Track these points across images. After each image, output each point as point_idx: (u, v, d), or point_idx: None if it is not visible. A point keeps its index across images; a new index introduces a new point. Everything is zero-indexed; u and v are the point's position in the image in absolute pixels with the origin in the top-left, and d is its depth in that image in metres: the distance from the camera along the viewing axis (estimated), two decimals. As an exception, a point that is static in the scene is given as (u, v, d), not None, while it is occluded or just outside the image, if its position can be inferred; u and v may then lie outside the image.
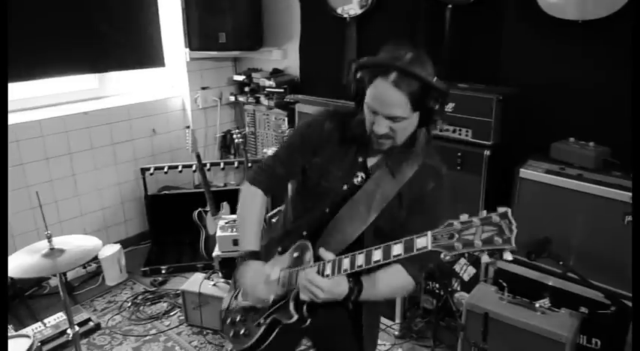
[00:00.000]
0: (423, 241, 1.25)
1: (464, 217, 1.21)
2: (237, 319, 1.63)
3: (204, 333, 3.15)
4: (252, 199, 1.70)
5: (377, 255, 1.34)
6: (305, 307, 1.47)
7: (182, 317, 3.28)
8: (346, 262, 1.40)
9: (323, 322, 1.58)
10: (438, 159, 1.59)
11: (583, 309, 2.53)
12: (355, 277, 1.48)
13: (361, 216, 1.53)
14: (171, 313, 3.37)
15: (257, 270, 1.58)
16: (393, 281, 1.54)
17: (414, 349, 2.92)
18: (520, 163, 2.66)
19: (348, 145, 1.57)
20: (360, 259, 1.37)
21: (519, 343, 2.48)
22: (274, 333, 1.55)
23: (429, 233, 1.25)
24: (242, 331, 1.60)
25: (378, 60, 1.41)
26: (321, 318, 1.54)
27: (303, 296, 1.44)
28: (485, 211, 1.20)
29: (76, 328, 2.35)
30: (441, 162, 1.58)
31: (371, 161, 1.59)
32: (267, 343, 1.56)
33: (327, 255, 1.45)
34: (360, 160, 1.58)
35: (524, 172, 2.61)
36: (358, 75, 1.45)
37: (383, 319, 3.05)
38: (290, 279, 1.53)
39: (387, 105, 1.39)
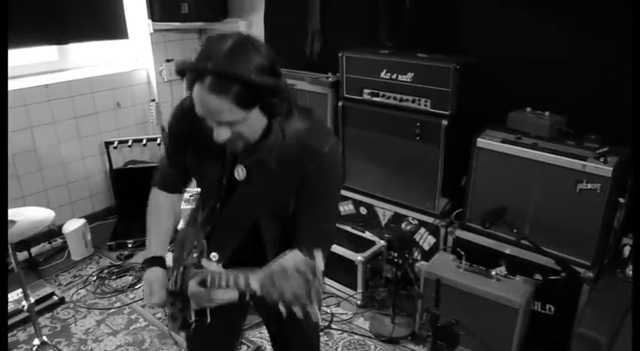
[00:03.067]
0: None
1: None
2: (170, 302, 1.62)
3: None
4: (155, 203, 1.67)
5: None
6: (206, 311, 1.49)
7: (147, 290, 3.28)
8: (241, 281, 1.25)
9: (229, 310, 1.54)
10: (321, 132, 1.44)
11: (537, 276, 2.58)
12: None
13: (249, 208, 1.48)
14: (137, 287, 3.37)
15: (152, 275, 1.56)
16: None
17: (375, 317, 2.96)
18: (478, 132, 2.67)
19: (211, 141, 1.34)
20: (255, 284, 1.18)
21: (474, 310, 2.53)
22: (193, 316, 1.54)
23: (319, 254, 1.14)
24: (172, 313, 1.62)
25: (191, 64, 1.22)
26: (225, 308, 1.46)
27: (193, 305, 1.46)
28: None
29: (32, 300, 2.33)
30: (324, 135, 1.42)
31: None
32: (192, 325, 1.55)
33: (209, 265, 1.41)
34: (229, 155, 1.45)
35: (481, 142, 2.62)
36: (183, 79, 1.27)
37: (345, 289, 3.09)
38: (183, 283, 1.50)
39: (212, 113, 1.24)
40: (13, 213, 2.25)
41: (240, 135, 1.30)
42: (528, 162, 2.50)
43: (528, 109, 2.65)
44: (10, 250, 2.27)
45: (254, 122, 1.29)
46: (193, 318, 1.50)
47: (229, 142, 1.31)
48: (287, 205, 1.46)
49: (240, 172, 1.44)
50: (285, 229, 1.50)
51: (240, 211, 1.49)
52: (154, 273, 1.55)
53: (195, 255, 1.51)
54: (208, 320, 1.49)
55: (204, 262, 1.43)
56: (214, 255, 1.49)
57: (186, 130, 1.48)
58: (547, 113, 2.58)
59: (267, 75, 1.21)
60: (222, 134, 1.28)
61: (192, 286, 1.40)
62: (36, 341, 2.37)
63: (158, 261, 1.58)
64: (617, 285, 2.46)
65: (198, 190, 1.60)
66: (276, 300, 1.12)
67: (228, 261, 1.50)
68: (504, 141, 2.57)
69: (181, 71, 1.25)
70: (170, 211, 1.67)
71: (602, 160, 2.31)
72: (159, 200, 1.67)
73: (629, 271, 2.46)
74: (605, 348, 2.15)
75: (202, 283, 1.37)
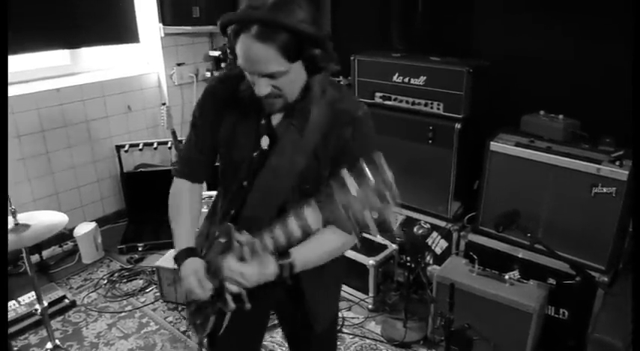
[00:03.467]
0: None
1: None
2: (193, 309, 1.57)
3: (179, 309, 3.15)
4: (179, 195, 1.59)
5: (296, 231, 1.26)
6: (242, 294, 1.38)
7: (157, 294, 3.28)
8: (269, 242, 1.30)
9: (266, 302, 1.54)
10: (353, 100, 1.47)
11: (551, 280, 2.56)
12: (283, 252, 1.35)
13: (280, 183, 1.42)
14: (147, 290, 3.37)
15: (191, 267, 1.46)
16: (328, 245, 1.42)
17: (387, 321, 2.95)
18: (491, 136, 2.66)
19: (247, 109, 1.42)
20: (281, 237, 1.28)
21: (487, 314, 2.51)
22: (226, 319, 1.47)
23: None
24: (198, 321, 1.55)
25: (237, 14, 1.23)
26: (263, 299, 1.45)
27: (231, 287, 1.36)
28: None
29: (45, 303, 2.34)
30: (355, 103, 1.45)
31: (275, 120, 1.44)
32: (223, 328, 1.49)
33: (241, 238, 1.34)
34: (263, 122, 1.43)
35: (495, 145, 2.62)
36: (228, 33, 1.27)
37: (356, 293, 3.07)
38: (218, 269, 1.40)
39: (257, 62, 1.24)
40: (26, 217, 2.26)
41: (281, 91, 1.30)
42: (542, 165, 2.49)
43: (541, 112, 2.64)
44: (24, 254, 2.28)
45: (295, 77, 1.30)
46: (231, 305, 1.39)
47: (268, 98, 1.32)
48: (319, 179, 1.41)
49: (267, 142, 1.43)
50: None
51: (268, 188, 1.44)
52: (193, 264, 1.46)
53: (222, 239, 1.43)
54: (248, 305, 1.39)
55: (235, 235, 1.36)
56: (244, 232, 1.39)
57: (220, 104, 1.47)
58: (561, 116, 2.57)
59: (315, 24, 1.22)
60: (263, 88, 1.28)
61: (230, 262, 1.34)
62: (49, 345, 2.37)
63: (192, 252, 1.50)
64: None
65: (211, 193, 1.56)
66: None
67: None
68: (518, 144, 2.56)
69: (226, 23, 1.25)
70: (194, 199, 1.61)
71: (617, 163, 2.30)
72: (182, 190, 1.60)
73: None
74: (621, 352, 2.14)
75: (241, 259, 1.33)
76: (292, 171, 1.40)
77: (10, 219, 2.18)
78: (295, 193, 1.42)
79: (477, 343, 2.44)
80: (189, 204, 1.58)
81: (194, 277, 1.42)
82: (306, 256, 1.38)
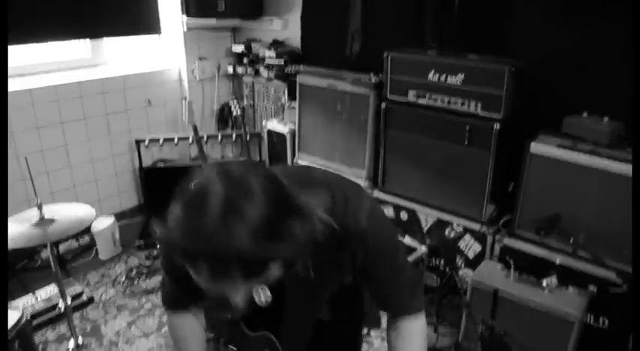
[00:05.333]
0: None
1: None
2: None
3: (201, 308, 3.07)
4: (176, 329, 1.42)
5: None
6: None
7: (178, 292, 3.20)
8: None
9: None
10: (352, 204, 1.15)
11: (592, 287, 2.46)
12: None
13: (305, 325, 1.35)
14: (167, 288, 3.29)
15: None
16: (418, 346, 1.32)
17: (416, 326, 2.86)
18: (531, 137, 2.56)
19: None
20: None
21: (527, 322, 2.41)
22: None
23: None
24: None
25: (178, 249, 0.92)
26: None
27: None
28: None
29: (69, 300, 2.25)
30: (356, 209, 1.15)
31: None
32: None
33: None
34: None
35: (535, 147, 2.52)
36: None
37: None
38: None
39: (223, 295, 0.96)
40: (50, 210, 2.17)
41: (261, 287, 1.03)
42: (585, 169, 2.39)
43: (585, 113, 2.54)
44: (49, 248, 2.19)
45: (273, 273, 0.96)
46: None
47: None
48: (341, 284, 1.30)
49: (262, 295, 1.03)
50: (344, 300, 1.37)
51: (295, 331, 1.35)
52: None
53: None
54: None
55: None
56: None
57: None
58: (606, 118, 2.47)
59: (274, 226, 0.87)
60: (239, 300, 0.98)
61: None
62: (71, 344, 2.29)
63: None
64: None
65: None
66: None
67: None
68: (560, 146, 2.46)
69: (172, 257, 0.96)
70: (195, 331, 1.41)
71: (667, 168, 2.20)
72: (177, 324, 1.41)
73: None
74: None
75: None
76: (314, 311, 1.32)
77: (36, 212, 2.10)
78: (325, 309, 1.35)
79: (514, 348, 2.34)
80: (189, 340, 1.42)
81: None
82: None
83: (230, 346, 1.43)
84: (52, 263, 2.22)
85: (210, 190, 0.87)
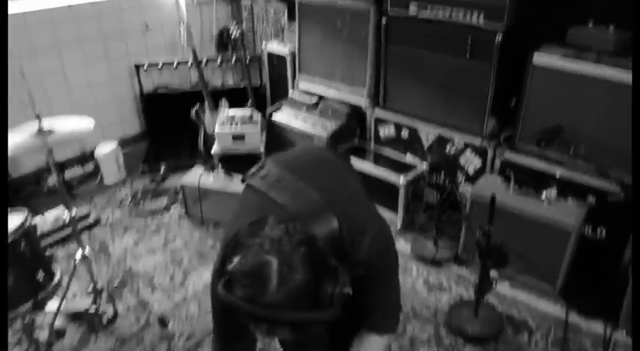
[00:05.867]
0: None
1: None
2: None
3: (206, 226, 3.13)
4: None
5: None
6: None
7: (182, 211, 3.26)
8: None
9: None
10: (353, 231, 1.24)
11: (590, 199, 2.48)
12: None
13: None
14: (172, 208, 3.35)
15: None
16: None
17: (416, 240, 2.91)
18: (534, 48, 2.50)
19: None
20: None
21: (525, 233, 2.45)
22: None
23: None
24: None
25: (240, 310, 1.01)
26: None
27: None
28: None
29: (74, 212, 2.28)
30: (358, 239, 1.26)
31: None
32: None
33: None
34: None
35: (538, 57, 2.47)
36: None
37: (385, 212, 3.01)
38: None
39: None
40: (50, 123, 2.16)
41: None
42: (589, 79, 2.35)
43: (590, 23, 2.46)
44: (51, 163, 2.21)
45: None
46: None
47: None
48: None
49: None
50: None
51: None
52: None
53: None
54: None
55: None
56: None
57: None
58: (612, 27, 2.39)
59: (316, 295, 1.02)
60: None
61: None
62: (78, 254, 2.35)
63: None
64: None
65: None
66: None
67: None
68: (564, 56, 2.40)
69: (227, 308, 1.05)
70: None
71: (673, 74, 2.15)
72: None
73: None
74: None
75: None
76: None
77: (35, 123, 2.10)
78: None
79: (512, 260, 2.38)
80: None
81: None
82: None
83: None
84: (52, 170, 2.22)
85: (265, 264, 0.99)
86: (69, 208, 2.27)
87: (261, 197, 1.28)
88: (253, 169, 1.38)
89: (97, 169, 3.75)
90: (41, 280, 2.19)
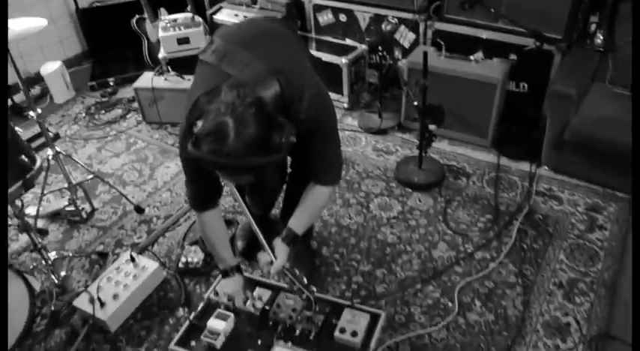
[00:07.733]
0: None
1: None
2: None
3: (165, 127, 3.28)
4: (205, 225, 1.79)
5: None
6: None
7: (139, 118, 3.37)
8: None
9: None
10: (297, 89, 1.47)
11: (512, 56, 2.76)
12: (286, 231, 1.70)
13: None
14: (128, 117, 3.45)
15: (236, 281, 1.87)
16: (318, 205, 1.76)
17: (363, 115, 3.16)
18: None
19: None
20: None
21: (458, 92, 2.74)
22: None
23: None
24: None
25: (206, 161, 1.28)
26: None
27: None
28: None
29: (39, 110, 2.38)
30: (299, 106, 1.48)
31: None
32: None
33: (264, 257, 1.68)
34: None
35: None
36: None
37: (332, 95, 3.22)
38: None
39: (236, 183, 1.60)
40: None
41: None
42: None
43: None
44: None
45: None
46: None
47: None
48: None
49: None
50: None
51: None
52: (237, 280, 1.87)
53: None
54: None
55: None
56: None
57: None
58: None
59: (267, 142, 1.27)
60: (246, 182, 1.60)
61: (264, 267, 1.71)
62: (49, 152, 2.48)
63: (236, 268, 1.87)
64: (584, 54, 2.68)
65: None
66: None
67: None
68: None
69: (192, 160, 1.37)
70: (219, 226, 1.82)
71: None
72: (206, 221, 1.78)
73: (598, 40, 2.65)
74: (574, 100, 2.40)
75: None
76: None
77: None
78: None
79: (449, 120, 2.65)
80: (217, 229, 1.82)
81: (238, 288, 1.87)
82: (304, 223, 1.74)
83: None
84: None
85: (223, 124, 1.23)
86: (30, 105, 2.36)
87: (213, 69, 1.53)
88: (204, 46, 1.60)
89: (45, 90, 3.76)
90: (25, 162, 2.27)
